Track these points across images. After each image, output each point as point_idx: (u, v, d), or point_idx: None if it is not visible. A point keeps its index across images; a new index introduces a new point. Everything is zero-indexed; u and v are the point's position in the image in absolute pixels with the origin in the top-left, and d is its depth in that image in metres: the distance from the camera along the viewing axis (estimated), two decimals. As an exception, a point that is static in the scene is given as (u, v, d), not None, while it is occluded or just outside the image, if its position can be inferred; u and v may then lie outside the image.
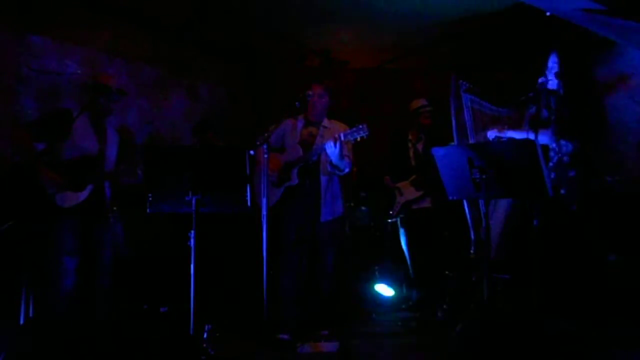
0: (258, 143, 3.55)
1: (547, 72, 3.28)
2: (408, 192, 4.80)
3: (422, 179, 4.73)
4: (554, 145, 3.26)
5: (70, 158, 3.51)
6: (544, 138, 3.23)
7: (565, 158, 3.19)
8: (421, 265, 4.74)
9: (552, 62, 3.28)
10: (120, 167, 3.64)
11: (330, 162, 3.82)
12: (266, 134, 3.58)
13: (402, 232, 4.89)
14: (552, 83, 3.24)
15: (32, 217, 3.44)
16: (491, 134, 3.41)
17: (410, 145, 4.93)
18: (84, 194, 3.50)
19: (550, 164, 3.22)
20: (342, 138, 3.64)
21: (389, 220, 5.01)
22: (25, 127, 3.61)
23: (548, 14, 3.88)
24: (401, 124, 6.70)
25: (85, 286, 3.54)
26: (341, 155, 3.71)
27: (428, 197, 4.73)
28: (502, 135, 3.40)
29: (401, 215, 4.85)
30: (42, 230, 3.45)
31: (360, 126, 3.59)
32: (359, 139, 3.61)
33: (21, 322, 3.40)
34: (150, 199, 3.15)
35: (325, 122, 4.07)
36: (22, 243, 3.50)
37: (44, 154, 3.48)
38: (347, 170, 3.93)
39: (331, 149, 3.67)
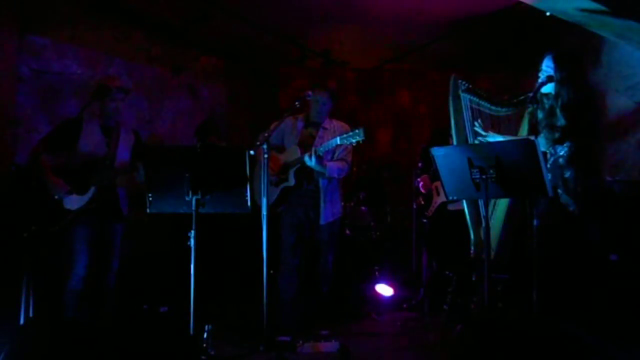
0: (258, 143, 3.56)
1: (539, 74, 3.27)
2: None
3: None
4: (550, 149, 3.25)
5: (76, 163, 3.55)
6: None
7: (560, 159, 3.18)
8: (441, 266, 4.60)
9: (546, 66, 3.26)
10: (137, 166, 3.63)
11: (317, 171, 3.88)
12: (266, 134, 3.59)
13: (429, 232, 4.68)
14: (546, 86, 3.23)
15: (44, 220, 3.46)
16: (477, 127, 3.37)
17: (450, 142, 4.69)
18: (87, 196, 3.52)
19: (547, 165, 3.21)
20: (322, 150, 3.75)
21: (424, 220, 4.81)
22: (40, 142, 3.61)
23: (548, 14, 3.88)
24: (401, 125, 6.73)
25: (92, 286, 3.57)
26: (321, 166, 3.80)
27: None
28: (485, 135, 3.36)
29: (434, 216, 4.61)
30: (53, 231, 3.47)
31: (357, 130, 3.61)
32: (354, 144, 3.63)
33: (21, 322, 3.40)
34: (150, 199, 3.16)
35: (326, 123, 4.07)
36: (31, 245, 3.52)
37: (51, 161, 3.54)
38: (335, 175, 3.94)
39: (309, 162, 3.76)
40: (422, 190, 4.71)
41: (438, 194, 4.59)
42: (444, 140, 4.45)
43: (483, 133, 3.31)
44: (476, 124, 3.32)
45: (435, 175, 4.56)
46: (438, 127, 4.90)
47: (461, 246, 4.23)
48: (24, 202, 3.66)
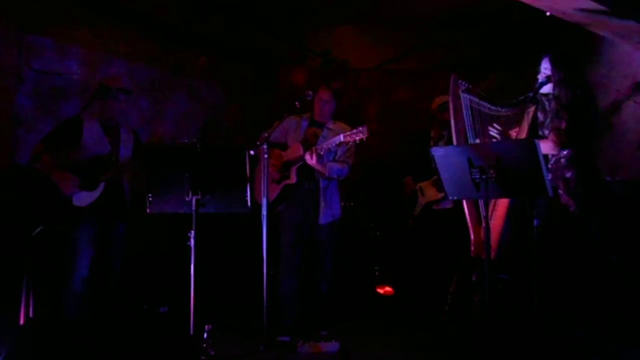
0: (258, 143, 3.56)
1: (538, 75, 3.28)
2: (430, 192, 4.59)
3: None
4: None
5: (81, 161, 3.55)
6: (545, 149, 3.18)
7: (562, 160, 3.18)
8: (431, 265, 4.64)
9: (544, 67, 3.26)
10: (137, 165, 3.63)
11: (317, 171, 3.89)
12: (266, 134, 3.60)
13: (419, 232, 4.72)
14: (546, 87, 3.24)
15: (52, 219, 3.45)
16: (492, 131, 3.37)
17: (431, 143, 4.65)
18: (97, 192, 3.53)
19: (548, 165, 3.21)
20: (325, 147, 3.76)
21: (410, 221, 4.82)
22: (41, 142, 3.61)
23: (548, 14, 3.88)
24: (401, 125, 6.71)
25: (95, 285, 3.59)
26: (321, 165, 3.82)
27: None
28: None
29: (421, 215, 4.66)
30: (61, 230, 3.47)
31: (360, 128, 3.63)
32: (358, 140, 3.64)
33: (21, 322, 3.40)
34: (150, 199, 3.15)
35: (330, 123, 4.08)
36: (36, 244, 3.52)
37: (54, 161, 3.53)
38: (335, 175, 3.94)
39: (309, 160, 3.77)
40: (406, 193, 4.77)
41: (423, 195, 4.65)
42: (423, 146, 4.51)
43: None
44: (491, 129, 3.31)
45: (419, 177, 4.65)
46: (420, 130, 4.96)
47: (449, 245, 4.29)
48: (24, 202, 3.65)
